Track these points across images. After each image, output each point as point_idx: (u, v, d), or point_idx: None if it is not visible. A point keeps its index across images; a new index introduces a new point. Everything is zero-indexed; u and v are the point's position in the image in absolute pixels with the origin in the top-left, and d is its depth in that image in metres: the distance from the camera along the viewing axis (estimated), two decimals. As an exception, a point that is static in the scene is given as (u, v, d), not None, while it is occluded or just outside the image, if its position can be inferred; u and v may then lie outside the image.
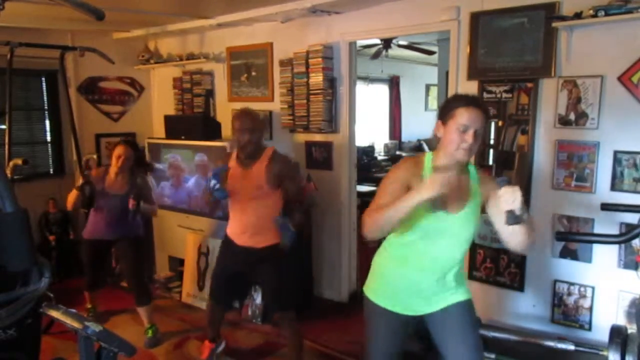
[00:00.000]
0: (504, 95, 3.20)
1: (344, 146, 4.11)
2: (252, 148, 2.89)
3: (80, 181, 3.51)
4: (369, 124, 8.41)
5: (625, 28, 2.74)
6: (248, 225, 2.94)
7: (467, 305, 2.07)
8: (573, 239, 2.98)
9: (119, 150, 3.52)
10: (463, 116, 1.85)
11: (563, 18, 2.88)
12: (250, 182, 2.90)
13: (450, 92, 3.46)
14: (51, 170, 5.23)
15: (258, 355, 3.40)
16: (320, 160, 4.22)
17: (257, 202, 2.90)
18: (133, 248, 3.63)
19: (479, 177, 2.02)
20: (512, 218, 1.73)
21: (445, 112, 1.92)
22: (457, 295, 2.05)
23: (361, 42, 5.16)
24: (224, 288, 3.12)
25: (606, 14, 2.70)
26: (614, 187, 2.87)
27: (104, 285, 4.04)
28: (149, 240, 4.75)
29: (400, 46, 6.75)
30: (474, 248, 3.41)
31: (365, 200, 5.58)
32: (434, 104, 9.61)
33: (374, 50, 6.74)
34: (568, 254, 3.08)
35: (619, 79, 2.80)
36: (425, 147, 8.95)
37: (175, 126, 4.54)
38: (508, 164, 3.24)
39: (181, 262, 4.53)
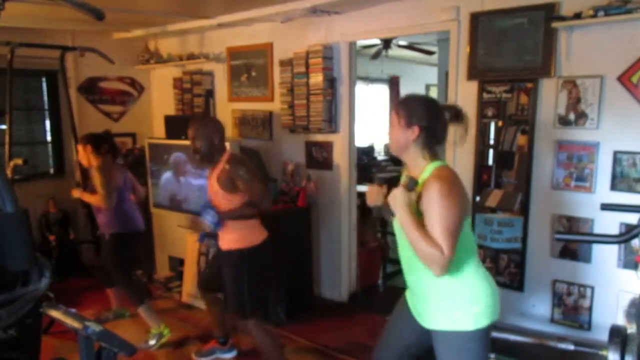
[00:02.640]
0: (504, 95, 3.20)
1: (344, 146, 4.11)
2: (200, 155, 2.88)
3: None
4: (369, 124, 8.40)
5: (624, 28, 2.75)
6: None
7: None
8: (573, 239, 2.98)
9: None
10: None
11: (563, 18, 2.88)
12: (211, 187, 2.92)
13: (450, 92, 3.46)
14: (51, 170, 5.23)
15: (258, 355, 3.40)
16: (320, 160, 4.23)
17: (218, 205, 2.88)
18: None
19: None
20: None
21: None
22: None
23: (361, 42, 5.16)
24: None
25: (606, 14, 2.71)
26: (613, 187, 2.87)
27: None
28: (149, 240, 4.76)
29: (400, 46, 6.74)
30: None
31: (365, 200, 5.58)
32: (434, 104, 9.58)
33: (374, 50, 6.73)
34: (568, 254, 3.08)
35: (619, 79, 2.80)
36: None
37: (175, 126, 4.53)
38: (508, 164, 3.24)
39: (181, 262, 4.53)
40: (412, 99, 1.95)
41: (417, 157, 1.89)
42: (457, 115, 1.92)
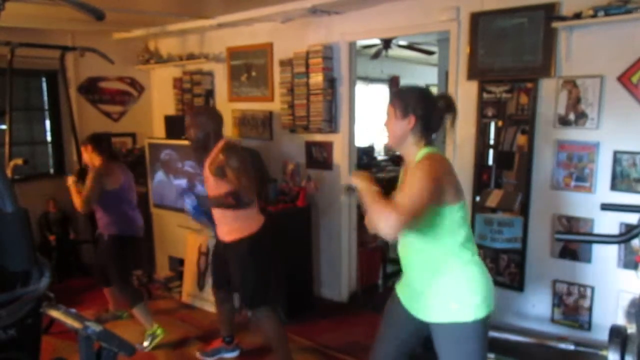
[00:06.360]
0: (504, 95, 3.20)
1: (344, 146, 4.11)
2: (194, 144, 2.95)
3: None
4: (369, 124, 8.40)
5: (624, 28, 2.75)
6: (215, 217, 3.00)
7: None
8: (573, 239, 2.98)
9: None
10: None
11: (563, 18, 2.88)
12: (205, 176, 2.96)
13: (450, 92, 3.46)
14: (51, 170, 5.23)
15: (258, 355, 3.40)
16: (320, 160, 4.23)
17: (214, 194, 2.91)
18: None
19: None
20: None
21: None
22: None
23: (361, 42, 5.16)
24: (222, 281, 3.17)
25: (606, 14, 2.71)
26: (613, 187, 2.87)
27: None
28: (150, 240, 4.76)
29: (400, 46, 6.74)
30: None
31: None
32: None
33: (374, 50, 6.73)
34: (568, 254, 3.08)
35: (619, 79, 2.80)
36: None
37: (175, 126, 4.54)
38: (508, 164, 3.24)
39: (181, 262, 4.53)
40: (407, 90, 2.01)
41: (412, 147, 1.93)
42: (450, 105, 1.98)
